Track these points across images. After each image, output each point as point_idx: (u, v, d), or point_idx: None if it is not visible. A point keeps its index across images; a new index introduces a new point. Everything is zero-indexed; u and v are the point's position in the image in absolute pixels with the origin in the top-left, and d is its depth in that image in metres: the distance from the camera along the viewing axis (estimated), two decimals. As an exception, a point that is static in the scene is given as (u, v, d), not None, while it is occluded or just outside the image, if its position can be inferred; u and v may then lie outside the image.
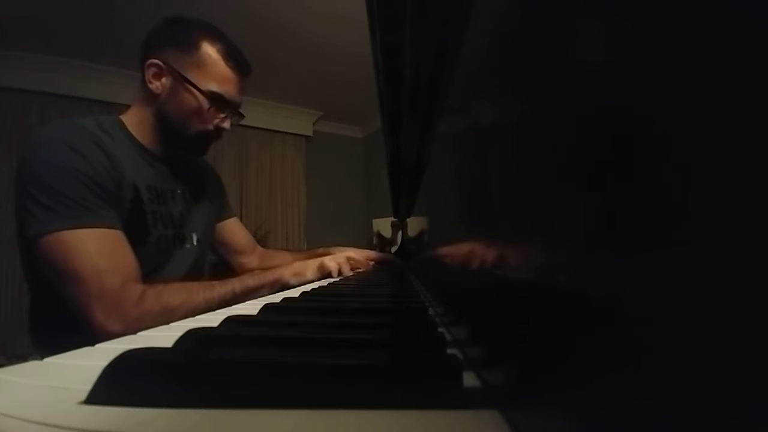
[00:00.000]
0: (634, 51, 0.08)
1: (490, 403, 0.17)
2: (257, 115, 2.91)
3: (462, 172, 0.31)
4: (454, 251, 0.32)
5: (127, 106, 0.77)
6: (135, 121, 0.75)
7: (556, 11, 0.13)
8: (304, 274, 0.81)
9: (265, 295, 0.72)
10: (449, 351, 0.25)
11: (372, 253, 1.10)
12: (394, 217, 1.39)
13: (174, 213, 0.79)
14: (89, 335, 0.58)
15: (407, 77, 0.43)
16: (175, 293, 0.65)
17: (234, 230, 1.03)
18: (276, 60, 2.40)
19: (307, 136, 3.31)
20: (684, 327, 0.07)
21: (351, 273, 0.91)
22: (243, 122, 0.86)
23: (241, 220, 1.11)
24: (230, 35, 0.77)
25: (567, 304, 0.12)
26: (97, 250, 0.61)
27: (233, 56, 0.75)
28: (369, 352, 0.24)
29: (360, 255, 1.01)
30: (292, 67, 2.52)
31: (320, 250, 1.05)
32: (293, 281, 0.79)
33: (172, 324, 0.35)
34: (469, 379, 0.20)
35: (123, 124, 0.74)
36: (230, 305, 0.55)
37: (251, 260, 1.08)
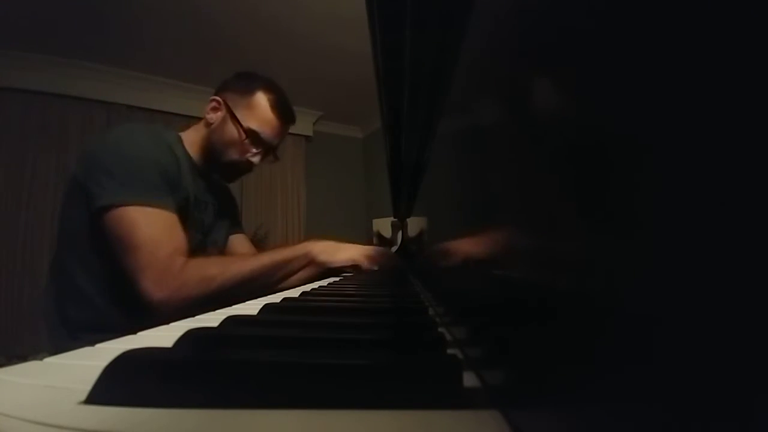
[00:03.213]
0: (636, 50, 0.08)
1: (490, 403, 0.17)
2: (257, 115, 2.91)
3: (462, 172, 0.31)
4: (454, 251, 0.32)
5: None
6: (191, 139, 0.90)
7: (556, 11, 0.13)
8: (334, 255, 0.89)
9: (296, 271, 0.85)
10: (449, 351, 0.25)
11: (369, 249, 0.96)
12: (394, 217, 1.39)
13: (206, 221, 0.91)
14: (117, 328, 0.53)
15: (407, 77, 0.43)
16: (213, 265, 0.77)
17: (239, 246, 1.10)
18: (276, 60, 2.40)
19: (307, 136, 3.31)
20: (684, 327, 0.07)
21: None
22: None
23: (241, 220, 1.16)
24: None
25: (567, 304, 0.12)
26: (156, 224, 0.71)
27: (280, 106, 0.91)
28: (369, 352, 0.24)
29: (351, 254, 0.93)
30: (292, 67, 2.52)
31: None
32: (321, 257, 0.87)
33: (172, 324, 0.35)
34: (469, 379, 0.20)
35: (181, 139, 0.89)
36: (263, 279, 0.79)
37: None
